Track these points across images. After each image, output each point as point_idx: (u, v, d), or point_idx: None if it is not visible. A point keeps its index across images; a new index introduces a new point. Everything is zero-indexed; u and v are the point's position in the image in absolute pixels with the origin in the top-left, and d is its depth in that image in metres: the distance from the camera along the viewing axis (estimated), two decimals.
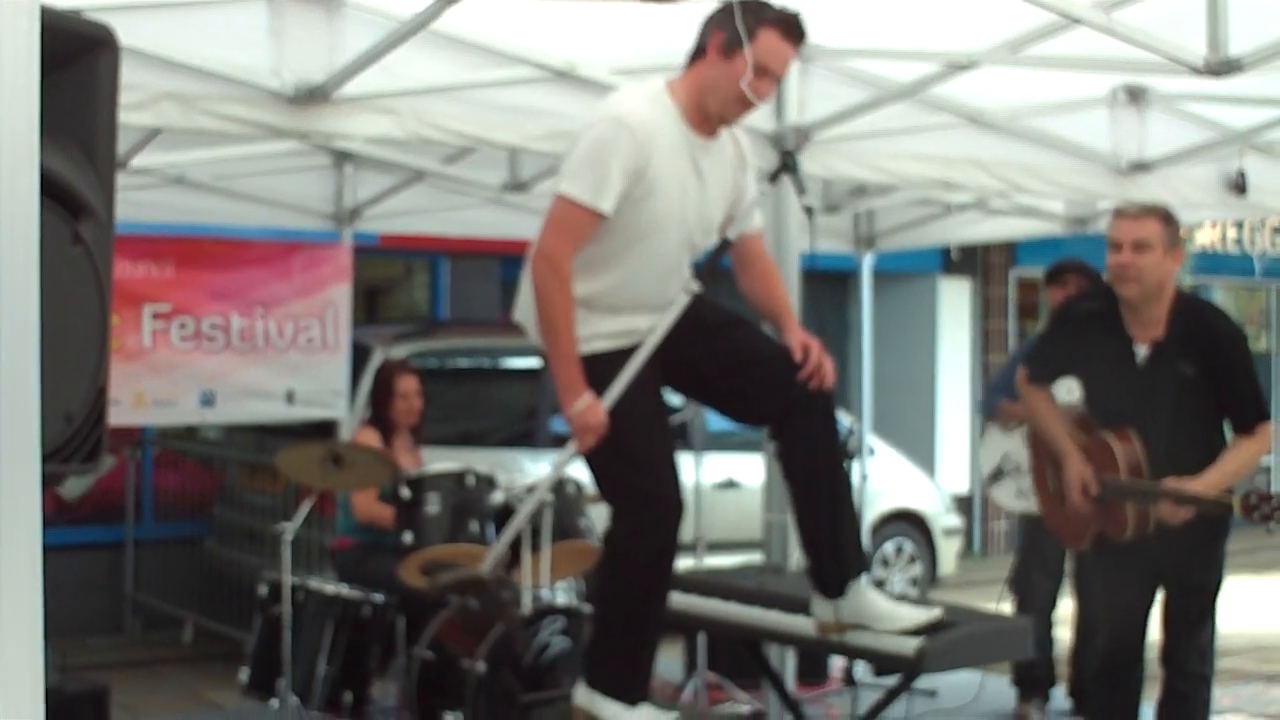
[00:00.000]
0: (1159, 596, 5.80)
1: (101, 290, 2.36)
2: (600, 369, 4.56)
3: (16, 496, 1.40)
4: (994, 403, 8.23)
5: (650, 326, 4.67)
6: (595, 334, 4.63)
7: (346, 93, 5.71)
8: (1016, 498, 8.01)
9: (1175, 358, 5.56)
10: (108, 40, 2.42)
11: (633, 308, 4.66)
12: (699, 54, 4.61)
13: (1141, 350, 5.63)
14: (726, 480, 10.98)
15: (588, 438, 4.53)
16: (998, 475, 8.14)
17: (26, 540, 1.39)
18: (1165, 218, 5.59)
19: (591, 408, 4.51)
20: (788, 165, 4.66)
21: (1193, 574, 5.77)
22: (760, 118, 5.73)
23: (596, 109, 4.78)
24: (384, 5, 5.62)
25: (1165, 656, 5.81)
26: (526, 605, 6.22)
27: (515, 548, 6.14)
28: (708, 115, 4.64)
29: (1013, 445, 8.00)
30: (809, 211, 4.64)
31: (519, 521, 5.45)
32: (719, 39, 4.53)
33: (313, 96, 5.62)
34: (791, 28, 4.52)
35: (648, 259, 4.64)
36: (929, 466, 15.05)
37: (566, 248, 4.52)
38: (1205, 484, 5.44)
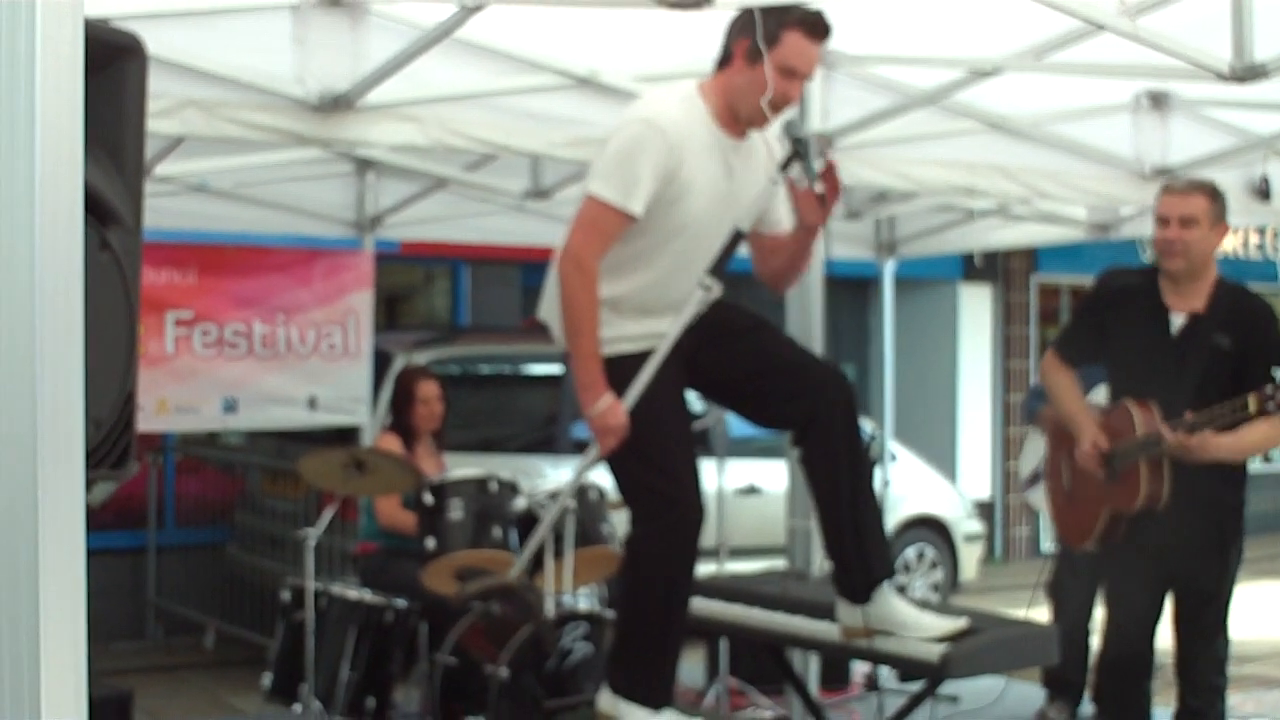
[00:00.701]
0: (1170, 605, 5.79)
1: (129, 298, 2.36)
2: (624, 371, 4.56)
3: (61, 503, 1.41)
4: (1035, 407, 8.20)
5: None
6: (620, 336, 4.63)
7: (370, 101, 5.72)
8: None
9: (1211, 330, 5.59)
10: (136, 49, 2.42)
11: (661, 309, 4.65)
12: (726, 60, 4.61)
13: (1178, 320, 5.67)
14: (748, 486, 10.97)
15: (608, 439, 4.54)
16: (1035, 479, 8.11)
17: (71, 546, 1.40)
18: (1212, 193, 5.67)
19: (612, 409, 4.51)
20: (799, 152, 4.64)
21: (1205, 581, 5.75)
22: None
23: (628, 110, 4.78)
24: (408, 13, 5.62)
25: (1180, 669, 5.81)
26: (549, 611, 6.22)
27: (538, 553, 6.14)
28: (738, 118, 4.64)
29: None
30: (820, 199, 4.61)
31: (544, 529, 5.44)
32: (744, 46, 4.53)
33: (337, 104, 5.64)
34: (815, 26, 4.51)
35: (678, 260, 4.63)
36: (950, 472, 15.03)
37: (594, 248, 4.52)
38: (1218, 443, 5.41)
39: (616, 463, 4.66)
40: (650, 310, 4.66)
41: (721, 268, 4.65)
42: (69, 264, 1.44)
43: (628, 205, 4.47)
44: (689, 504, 4.65)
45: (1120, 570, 5.86)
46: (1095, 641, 7.83)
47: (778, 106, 4.60)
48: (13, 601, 1.43)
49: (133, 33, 2.41)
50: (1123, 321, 5.82)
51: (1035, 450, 8.15)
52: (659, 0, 4.05)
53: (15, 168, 1.40)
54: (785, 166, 4.64)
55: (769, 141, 4.82)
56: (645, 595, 4.72)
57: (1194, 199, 5.63)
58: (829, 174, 4.56)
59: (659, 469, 4.65)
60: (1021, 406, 8.38)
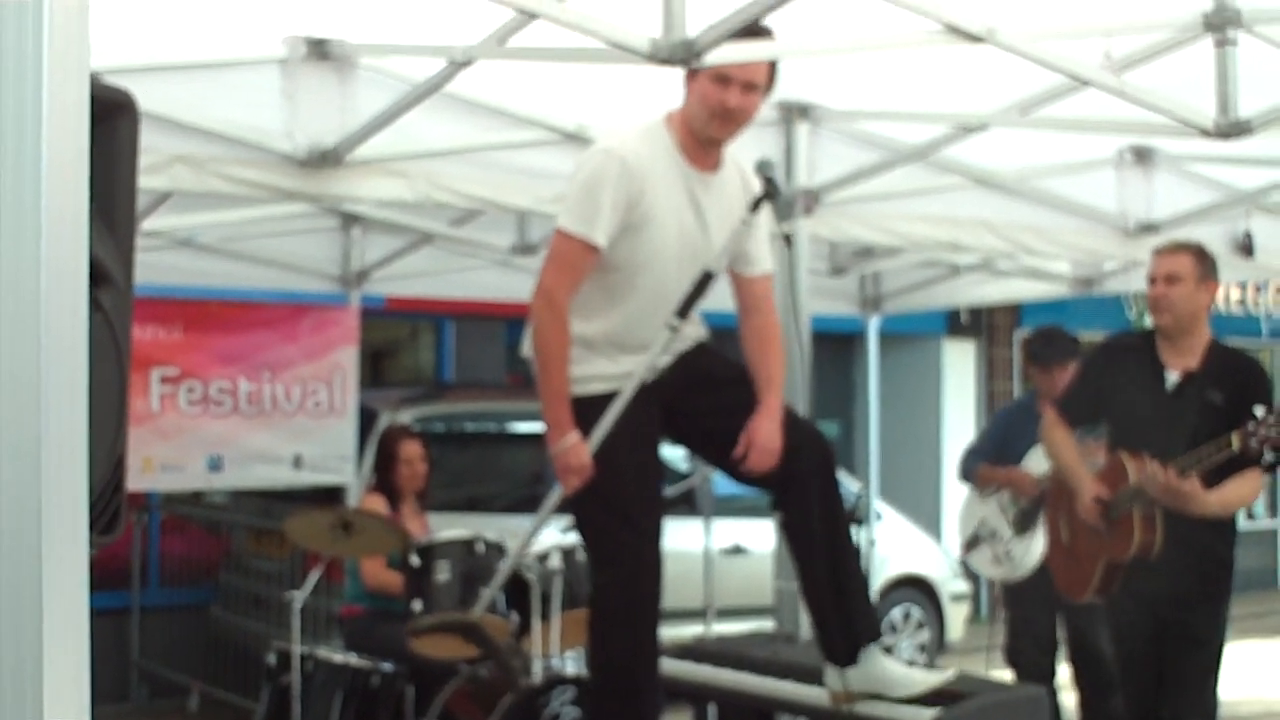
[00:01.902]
0: (1162, 654, 5.83)
1: (120, 359, 2.33)
2: (594, 411, 4.56)
3: (64, 573, 1.39)
4: (971, 468, 8.17)
5: (658, 367, 4.67)
6: (593, 375, 4.62)
7: (358, 155, 5.73)
8: (993, 564, 7.96)
9: (1205, 386, 5.74)
10: (128, 106, 2.40)
11: (634, 348, 4.64)
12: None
13: (1173, 376, 5.82)
14: (734, 546, 10.94)
15: (570, 478, 4.53)
16: (975, 542, 8.09)
17: (75, 619, 1.38)
18: (1198, 253, 5.84)
19: (575, 448, 4.50)
20: (769, 192, 4.63)
21: (1196, 626, 5.80)
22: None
23: (590, 143, 4.79)
24: (396, 68, 5.64)
25: (1169, 716, 5.82)
26: (537, 674, 6.17)
27: (526, 616, 6.11)
28: (700, 142, 4.64)
29: (989, 511, 7.97)
30: (787, 240, 4.62)
31: (506, 568, 5.43)
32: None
33: (325, 159, 5.64)
34: (759, 37, 4.49)
35: (648, 293, 4.63)
36: (935, 531, 14.98)
37: (564, 283, 4.53)
38: (1205, 499, 5.50)
39: (577, 504, 4.66)
40: (624, 348, 4.65)
41: (689, 308, 4.64)
42: (74, 330, 1.43)
43: (591, 235, 4.48)
44: (648, 553, 4.64)
45: (1118, 620, 5.97)
46: (1066, 700, 7.84)
47: (719, 115, 4.57)
48: (17, 666, 1.41)
49: (125, 90, 2.39)
50: (1121, 380, 5.97)
51: (972, 512, 8.14)
52: (646, 57, 4.05)
53: (21, 231, 1.39)
54: (755, 207, 4.64)
55: (747, 180, 4.79)
56: (611, 648, 4.73)
57: (1179, 257, 5.81)
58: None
59: (620, 515, 4.63)
60: (959, 465, 8.34)
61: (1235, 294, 17.81)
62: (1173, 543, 5.66)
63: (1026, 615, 7.90)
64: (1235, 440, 5.40)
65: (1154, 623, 5.80)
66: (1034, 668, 7.83)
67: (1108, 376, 6.06)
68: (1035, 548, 7.63)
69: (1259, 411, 5.40)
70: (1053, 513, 6.38)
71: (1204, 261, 5.84)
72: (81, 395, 1.47)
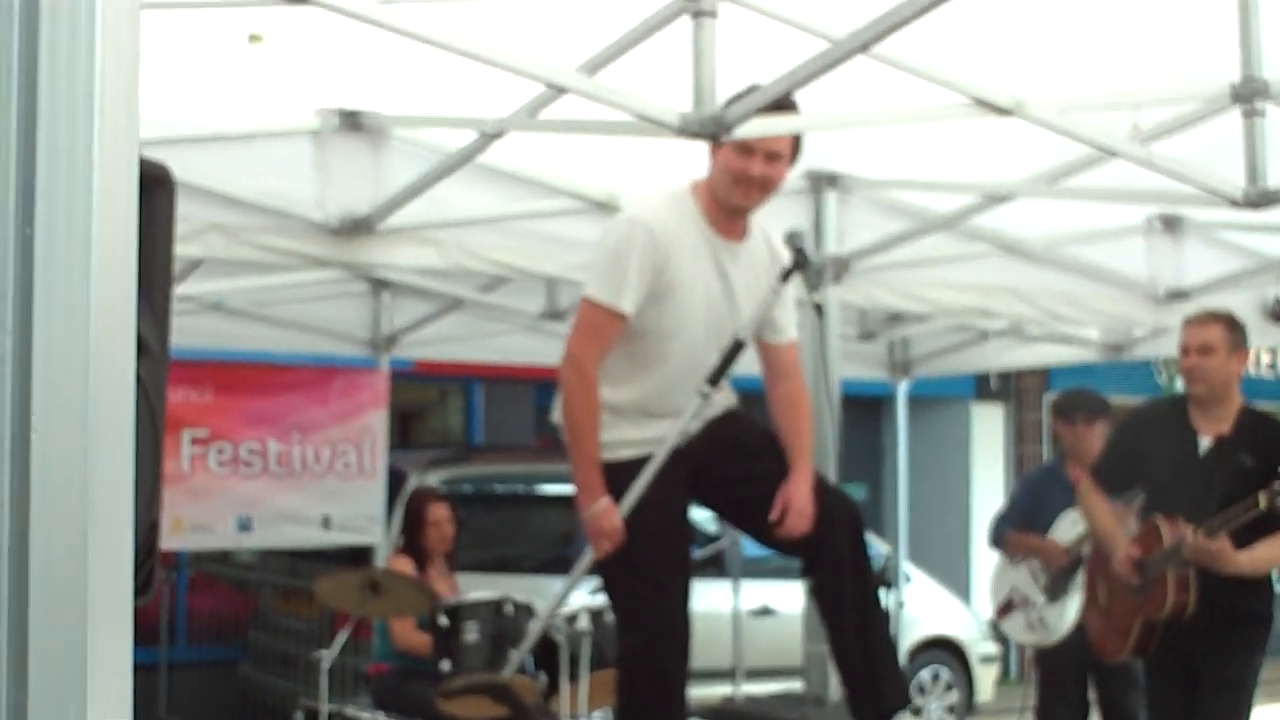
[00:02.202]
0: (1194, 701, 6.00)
1: (156, 427, 2.36)
2: (624, 476, 4.58)
3: (109, 638, 1.42)
4: (1001, 534, 8.18)
5: (689, 433, 4.69)
6: (621, 440, 4.64)
7: (390, 224, 5.77)
8: (1027, 630, 7.96)
9: (1237, 450, 5.90)
10: (166, 180, 2.44)
11: (664, 414, 4.66)
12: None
13: (1205, 442, 6.00)
14: (762, 607, 10.92)
15: (603, 543, 4.55)
16: (1008, 608, 8.08)
17: (120, 684, 1.41)
18: (1229, 323, 6.05)
19: (607, 512, 4.52)
20: (799, 262, 4.67)
21: (1228, 673, 5.95)
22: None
23: (619, 211, 4.83)
24: (428, 138, 5.69)
25: None
26: None
27: (554, 676, 6.12)
28: (726, 210, 4.67)
29: (1020, 578, 7.96)
30: (818, 309, 4.65)
31: (536, 629, 5.44)
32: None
33: (357, 228, 5.69)
34: (786, 110, 4.52)
35: (676, 361, 4.65)
36: (964, 593, 14.94)
37: (592, 350, 4.56)
38: (1235, 559, 5.66)
39: (605, 567, 4.68)
40: (653, 415, 4.67)
41: (720, 375, 4.67)
42: (120, 405, 1.47)
43: (618, 304, 4.51)
44: (674, 614, 4.66)
45: (1161, 678, 6.18)
46: None
47: (742, 183, 4.63)
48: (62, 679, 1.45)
49: (162, 163, 2.43)
50: (1155, 446, 6.16)
51: (1003, 579, 8.13)
52: (677, 130, 4.08)
53: (72, 301, 1.43)
54: (786, 276, 4.67)
55: (775, 249, 4.82)
56: (640, 712, 4.73)
57: (1211, 328, 5.99)
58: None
59: (645, 577, 4.66)
60: (989, 532, 8.36)
61: (1265, 358, 17.78)
62: (1206, 602, 5.80)
63: (1058, 678, 7.91)
64: (1263, 500, 5.54)
65: (1187, 674, 5.98)
66: None
67: (1141, 443, 6.25)
68: (1069, 613, 7.64)
69: None
70: (1091, 575, 6.56)
71: (1235, 331, 6.01)
72: (127, 465, 1.50)
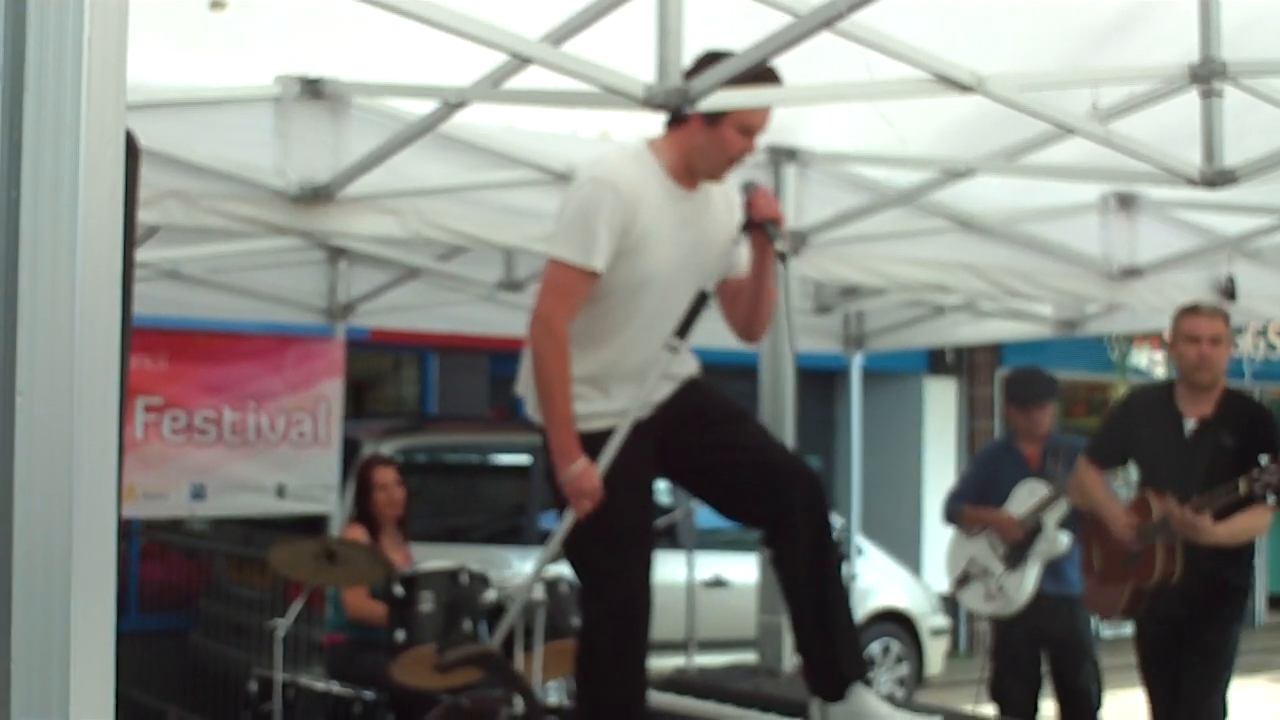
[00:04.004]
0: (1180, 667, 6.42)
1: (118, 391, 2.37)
2: (597, 448, 4.57)
3: (93, 594, 1.43)
4: (957, 509, 8.26)
5: (654, 402, 4.70)
6: (594, 413, 4.64)
7: (350, 192, 5.75)
8: (986, 600, 8.03)
9: (1218, 431, 6.36)
10: (130, 145, 2.44)
11: (635, 373, 4.65)
12: (681, 119, 4.61)
13: (1190, 424, 6.45)
14: (715, 578, 10.96)
15: (583, 503, 4.54)
16: (965, 579, 8.16)
17: (103, 641, 1.42)
18: (1227, 317, 6.59)
19: (586, 473, 4.52)
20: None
21: (1209, 637, 6.37)
22: None
23: (579, 173, 4.82)
24: (390, 106, 5.67)
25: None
26: (518, 704, 6.19)
27: (509, 647, 6.12)
28: (694, 174, 4.69)
29: (978, 549, 8.04)
30: (782, 257, 4.65)
31: (517, 605, 5.45)
32: None
33: (316, 196, 5.67)
34: (767, 80, 4.55)
35: (647, 315, 4.64)
36: (915, 566, 15.03)
37: (562, 311, 4.54)
38: (1214, 530, 6.14)
39: (570, 540, 4.67)
40: (623, 377, 4.66)
41: (688, 327, 4.67)
42: (107, 364, 1.47)
43: (589, 263, 4.50)
44: (637, 586, 4.67)
45: (1149, 644, 6.60)
46: None
47: (736, 161, 4.67)
48: (45, 653, 1.44)
49: (128, 129, 2.43)
50: (1144, 429, 6.63)
51: (961, 551, 8.22)
52: (641, 102, 4.09)
53: (58, 264, 1.43)
54: (746, 228, 4.67)
55: (728, 194, 4.84)
56: (599, 681, 4.74)
57: (1218, 321, 6.49)
58: (762, 200, 4.65)
59: (611, 549, 4.65)
60: (942, 507, 8.45)
61: None
62: (1191, 571, 6.29)
63: (1014, 652, 8.02)
64: (1243, 485, 6.04)
65: (1175, 643, 6.41)
66: (1019, 703, 7.95)
67: (1132, 426, 6.73)
68: (1028, 582, 7.77)
69: (1263, 460, 6.02)
70: (1086, 543, 6.94)
71: (1229, 325, 6.60)
72: (113, 427, 1.50)
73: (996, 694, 8.05)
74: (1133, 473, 7.07)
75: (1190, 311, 6.55)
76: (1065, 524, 7.75)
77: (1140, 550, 6.41)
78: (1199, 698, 6.41)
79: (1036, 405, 8.04)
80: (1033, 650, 7.97)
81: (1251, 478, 6.03)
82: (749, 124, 4.60)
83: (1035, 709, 8.04)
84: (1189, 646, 6.40)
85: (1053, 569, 7.83)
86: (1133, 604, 6.55)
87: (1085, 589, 7.07)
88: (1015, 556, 7.84)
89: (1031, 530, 7.81)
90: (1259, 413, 6.60)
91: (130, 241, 2.49)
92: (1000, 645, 8.14)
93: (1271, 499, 6.04)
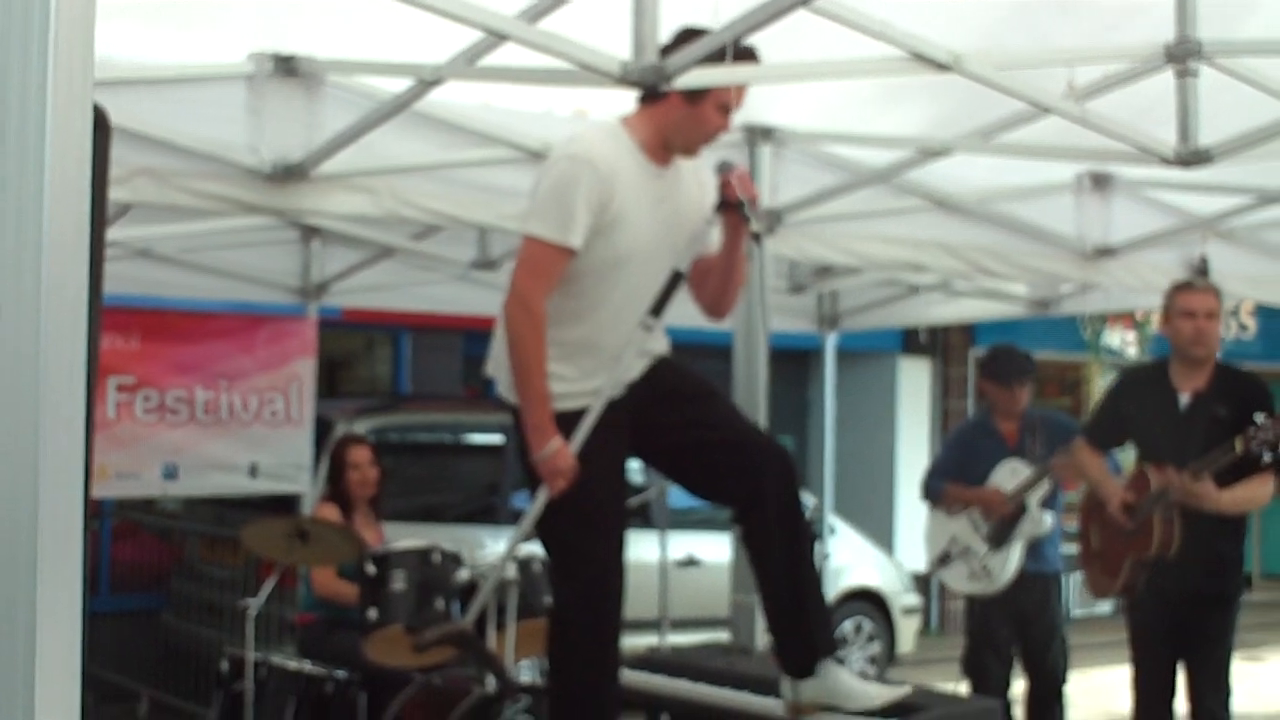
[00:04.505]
0: (1179, 650, 6.56)
1: (88, 369, 2.35)
2: (569, 427, 4.58)
3: (60, 582, 1.41)
4: (937, 488, 8.28)
5: (626, 381, 4.69)
6: (571, 392, 4.63)
7: (324, 171, 5.72)
8: (969, 580, 8.07)
9: (1212, 402, 6.47)
10: (101, 120, 2.42)
11: (611, 351, 4.64)
12: (657, 96, 4.61)
13: (1184, 398, 6.57)
14: (687, 558, 10.98)
15: (558, 481, 4.54)
16: (946, 559, 8.19)
17: (69, 628, 1.41)
18: (1219, 293, 6.70)
19: (561, 451, 4.52)
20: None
21: (1212, 627, 6.51)
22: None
23: (554, 150, 4.81)
24: (363, 85, 5.64)
25: (1194, 704, 6.54)
26: (491, 684, 6.19)
27: (481, 626, 6.12)
28: (669, 150, 4.69)
29: (960, 528, 8.08)
30: (757, 238, 4.65)
31: (490, 584, 5.44)
32: None
33: (290, 174, 5.63)
34: (745, 59, 4.54)
35: (623, 291, 4.64)
36: (888, 545, 15.07)
37: (539, 287, 4.53)
38: (1217, 496, 6.23)
39: (544, 519, 4.67)
40: (599, 355, 4.65)
41: (663, 306, 4.67)
42: (73, 342, 1.45)
43: (566, 240, 4.49)
44: (611, 566, 4.67)
45: (1145, 618, 6.67)
46: (1017, 714, 8.04)
47: (713, 138, 4.71)
48: (10, 632, 1.43)
49: (99, 105, 2.41)
50: (1140, 406, 6.76)
51: (941, 530, 8.25)
52: (617, 79, 4.07)
53: (23, 245, 1.41)
54: (720, 208, 4.68)
55: (697, 170, 4.85)
56: (572, 660, 4.74)
57: (1211, 296, 6.59)
58: (738, 180, 4.65)
59: (585, 529, 4.66)
60: (921, 486, 8.50)
61: None
62: (1189, 544, 6.38)
63: (991, 629, 8.09)
64: (1239, 444, 6.11)
65: (1171, 623, 6.51)
66: (995, 679, 8.04)
67: (1128, 404, 6.85)
68: (1011, 562, 7.85)
69: (1259, 418, 6.10)
70: (1084, 523, 6.99)
71: (1221, 299, 6.69)
72: (79, 406, 1.49)
73: (971, 669, 8.11)
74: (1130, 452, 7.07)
75: (1185, 287, 6.66)
76: (1047, 503, 7.80)
77: (1138, 524, 6.48)
78: (1210, 683, 6.53)
79: (1017, 382, 8.11)
80: (1008, 627, 8.04)
81: (1248, 436, 6.09)
82: (728, 102, 4.62)
83: (1008, 684, 8.10)
84: (1193, 631, 6.49)
85: (1033, 548, 7.89)
86: (1131, 579, 6.62)
87: (1084, 569, 7.07)
88: (1000, 535, 7.89)
89: (1016, 510, 7.87)
90: (1252, 383, 6.64)
91: (101, 219, 2.47)
92: (977, 622, 8.18)
93: (1269, 457, 6.10)
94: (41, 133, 1.40)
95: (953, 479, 8.17)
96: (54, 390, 1.51)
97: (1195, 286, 6.67)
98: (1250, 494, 6.33)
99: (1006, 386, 8.10)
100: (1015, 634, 8.06)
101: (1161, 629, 6.57)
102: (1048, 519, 7.79)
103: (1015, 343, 8.73)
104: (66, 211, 1.52)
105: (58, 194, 1.50)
